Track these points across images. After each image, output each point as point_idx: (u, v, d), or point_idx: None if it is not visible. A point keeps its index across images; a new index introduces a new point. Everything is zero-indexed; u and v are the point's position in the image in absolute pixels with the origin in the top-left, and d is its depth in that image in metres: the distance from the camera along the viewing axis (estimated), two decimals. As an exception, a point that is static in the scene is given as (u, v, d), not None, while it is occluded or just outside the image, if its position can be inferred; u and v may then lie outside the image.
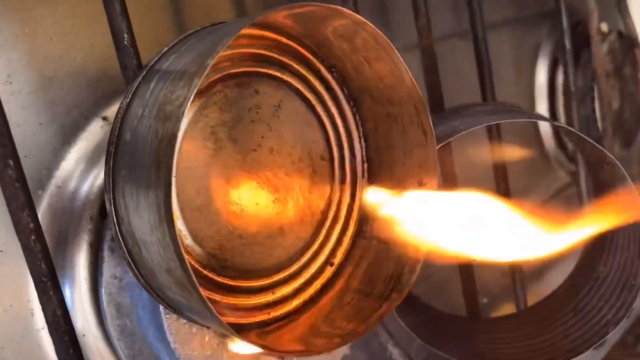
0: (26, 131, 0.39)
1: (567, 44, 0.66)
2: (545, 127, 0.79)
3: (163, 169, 0.28)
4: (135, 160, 0.30)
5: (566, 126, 0.41)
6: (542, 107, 0.79)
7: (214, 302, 0.36)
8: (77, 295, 0.40)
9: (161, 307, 0.38)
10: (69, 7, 0.41)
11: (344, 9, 0.32)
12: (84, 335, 0.40)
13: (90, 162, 0.41)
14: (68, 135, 0.41)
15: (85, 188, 0.40)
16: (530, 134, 0.79)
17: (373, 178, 0.41)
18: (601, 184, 0.47)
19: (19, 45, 0.38)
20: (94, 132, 0.41)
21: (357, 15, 0.33)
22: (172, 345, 0.39)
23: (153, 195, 0.28)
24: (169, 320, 0.38)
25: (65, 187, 0.40)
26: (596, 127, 0.76)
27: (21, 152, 0.33)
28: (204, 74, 0.28)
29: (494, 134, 0.56)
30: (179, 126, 0.28)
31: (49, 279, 0.31)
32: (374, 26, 0.34)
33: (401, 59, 0.36)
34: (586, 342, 0.44)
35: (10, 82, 0.38)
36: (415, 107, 0.37)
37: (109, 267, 0.39)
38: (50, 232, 0.39)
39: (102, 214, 0.40)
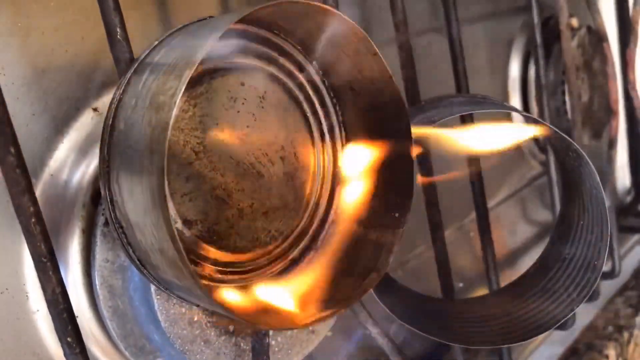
0: (20, 122, 0.40)
1: (538, 38, 0.68)
2: (517, 119, 0.82)
3: (156, 155, 0.30)
4: (130, 147, 0.32)
5: (533, 116, 0.43)
6: (515, 100, 0.82)
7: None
8: (71, 279, 0.42)
9: (152, 288, 0.40)
10: (60, 2, 0.42)
11: (326, 6, 0.35)
12: (77, 317, 0.42)
13: (82, 151, 0.42)
14: (60, 126, 0.42)
15: (77, 176, 0.42)
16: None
17: (352, 165, 0.43)
18: (567, 172, 0.50)
19: (12, 39, 0.40)
20: (85, 123, 0.43)
21: (338, 12, 0.35)
22: (163, 325, 0.41)
23: (147, 180, 0.30)
24: (159, 301, 0.40)
25: (58, 176, 0.42)
26: (566, 119, 0.79)
27: (15, 142, 0.34)
28: (194, 67, 0.30)
29: (468, 124, 0.59)
30: (171, 115, 0.29)
31: (49, 260, 0.32)
32: (353, 22, 0.36)
33: (379, 52, 0.38)
34: (554, 318, 0.47)
35: (4, 74, 0.39)
36: (392, 98, 0.40)
37: (102, 251, 0.41)
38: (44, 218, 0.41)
39: (94, 201, 0.42)
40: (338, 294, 0.40)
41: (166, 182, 0.36)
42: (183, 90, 0.29)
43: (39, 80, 0.41)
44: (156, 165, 0.30)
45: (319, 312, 0.38)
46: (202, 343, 0.42)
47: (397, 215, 0.41)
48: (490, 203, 0.69)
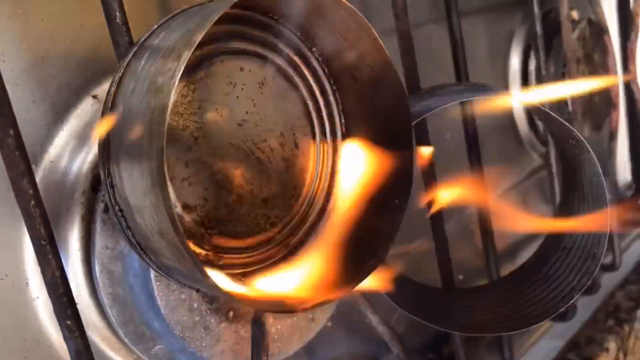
0: (19, 108, 0.40)
1: (539, 30, 0.68)
2: (518, 111, 0.81)
3: (155, 137, 0.30)
4: (129, 129, 0.32)
5: (533, 103, 0.43)
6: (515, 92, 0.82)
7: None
8: (71, 266, 0.42)
9: (152, 274, 0.40)
10: (59, -11, 0.42)
11: (325, -10, 0.35)
12: (77, 304, 0.42)
13: (82, 138, 0.42)
14: (60, 113, 0.42)
15: (77, 163, 0.42)
16: (504, 118, 0.82)
17: (352, 151, 0.43)
18: (568, 160, 0.50)
19: (11, 25, 0.40)
20: (85, 110, 0.43)
21: (337, -4, 0.35)
22: (162, 312, 0.41)
23: (146, 162, 0.30)
24: (159, 287, 0.40)
25: (58, 163, 0.42)
26: (567, 111, 0.78)
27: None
28: (193, 48, 0.30)
29: (469, 116, 0.59)
30: (170, 96, 0.29)
31: (48, 243, 0.32)
32: (353, 7, 0.36)
33: (379, 38, 0.38)
34: (554, 307, 0.47)
35: (4, 61, 0.39)
36: (392, 84, 0.40)
37: (101, 238, 0.41)
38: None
39: (94, 187, 0.42)
40: (338, 280, 0.39)
41: (165, 167, 0.36)
42: (182, 71, 0.29)
43: (38, 67, 0.41)
44: (155, 146, 0.30)
45: (319, 298, 0.38)
46: (202, 330, 0.42)
47: (396, 202, 0.41)
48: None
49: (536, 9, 0.68)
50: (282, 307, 0.35)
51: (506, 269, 0.61)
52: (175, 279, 0.37)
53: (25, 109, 0.40)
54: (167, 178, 0.36)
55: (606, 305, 0.87)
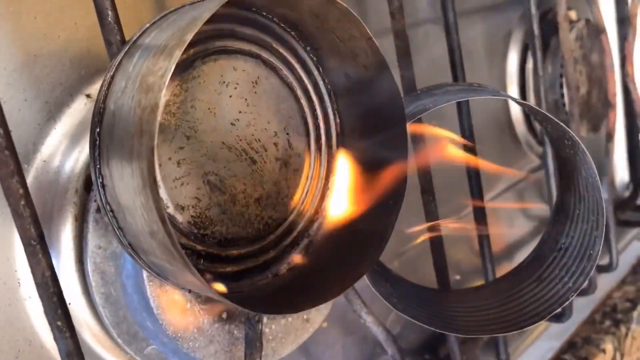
0: (12, 107, 0.40)
1: (536, 30, 0.68)
2: (516, 111, 0.81)
3: (146, 136, 0.30)
4: (120, 129, 0.32)
5: (529, 104, 0.43)
6: (513, 92, 0.81)
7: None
8: (63, 266, 0.41)
9: (144, 275, 0.40)
10: (52, -13, 0.42)
11: (318, -12, 0.34)
12: (69, 304, 0.41)
13: (75, 137, 0.42)
14: (53, 112, 0.42)
15: (70, 162, 0.42)
16: (502, 118, 0.81)
17: (346, 152, 0.43)
18: (564, 160, 0.50)
19: (3, 24, 0.39)
20: (78, 109, 0.43)
21: (331, -5, 0.35)
22: (155, 312, 0.40)
23: (137, 161, 0.30)
24: (151, 287, 0.40)
25: (51, 162, 0.42)
26: (564, 112, 0.78)
27: (7, 128, 0.34)
28: (184, 47, 0.30)
29: (465, 115, 0.59)
30: (161, 95, 0.29)
31: (38, 243, 0.32)
32: (345, 5, 0.36)
33: (372, 36, 0.37)
34: (549, 307, 0.46)
35: (-4, 59, 0.39)
36: (387, 84, 0.39)
37: (94, 238, 0.41)
38: (36, 205, 0.40)
39: (87, 187, 0.42)
40: (332, 280, 0.39)
41: (157, 166, 0.36)
42: (173, 70, 0.29)
43: (31, 65, 0.41)
44: (146, 146, 0.29)
45: (313, 298, 0.38)
46: (195, 330, 0.42)
47: (391, 202, 0.41)
48: (487, 196, 0.69)
49: (533, 9, 0.67)
50: (276, 309, 0.35)
51: (502, 269, 0.61)
52: (167, 279, 0.36)
53: (18, 107, 0.40)
54: (159, 178, 0.36)
55: (603, 306, 0.87)
